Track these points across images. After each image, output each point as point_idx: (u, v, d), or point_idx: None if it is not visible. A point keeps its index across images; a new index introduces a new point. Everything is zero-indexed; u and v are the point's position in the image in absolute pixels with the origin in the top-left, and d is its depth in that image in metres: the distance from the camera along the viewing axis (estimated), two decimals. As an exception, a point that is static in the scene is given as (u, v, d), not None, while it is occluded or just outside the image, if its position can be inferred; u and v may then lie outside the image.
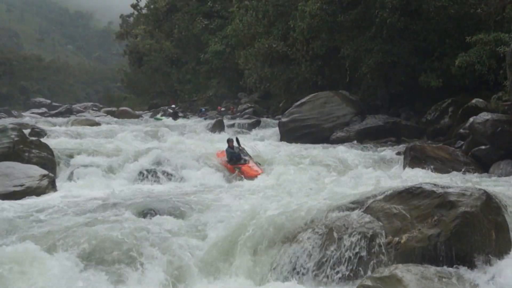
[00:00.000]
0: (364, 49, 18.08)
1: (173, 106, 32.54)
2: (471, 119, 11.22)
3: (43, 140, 12.44)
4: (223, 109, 31.99)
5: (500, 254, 5.10)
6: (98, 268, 5.41)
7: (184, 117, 30.62)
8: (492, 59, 14.28)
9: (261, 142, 16.95)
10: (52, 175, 10.20)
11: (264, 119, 24.36)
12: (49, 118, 32.27)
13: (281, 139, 17.84)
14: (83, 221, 6.77)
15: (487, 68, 14.48)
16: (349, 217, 5.62)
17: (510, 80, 11.09)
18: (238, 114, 29.21)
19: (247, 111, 28.91)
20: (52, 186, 9.68)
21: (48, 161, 11.06)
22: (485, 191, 5.44)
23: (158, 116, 29.63)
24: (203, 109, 32.18)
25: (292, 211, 6.11)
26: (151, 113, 37.31)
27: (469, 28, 15.95)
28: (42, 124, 23.76)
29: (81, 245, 5.71)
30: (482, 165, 10.59)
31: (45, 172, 9.95)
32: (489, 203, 5.35)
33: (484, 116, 10.74)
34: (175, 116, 29.72)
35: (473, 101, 13.64)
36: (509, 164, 10.14)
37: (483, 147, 10.82)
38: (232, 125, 22.45)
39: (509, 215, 5.44)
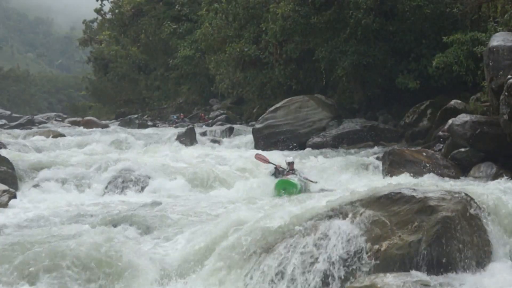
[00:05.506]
0: (339, 51, 17.80)
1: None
2: (450, 121, 11.12)
3: (3, 153, 11.81)
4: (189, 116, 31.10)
5: (482, 258, 5.12)
6: (59, 284, 5.16)
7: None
8: (470, 60, 14.33)
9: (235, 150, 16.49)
10: (13, 190, 9.97)
11: (237, 126, 23.87)
12: (9, 130, 30.75)
13: (256, 147, 17.33)
14: (45, 236, 6.52)
15: (465, 68, 14.49)
16: (327, 225, 5.48)
17: (488, 80, 10.90)
18: (210, 121, 28.60)
19: (219, 118, 28.39)
20: (12, 201, 9.43)
21: (8, 176, 10.74)
22: (465, 195, 5.44)
23: None
24: (175, 117, 31.40)
25: (270, 220, 5.94)
26: (118, 122, 36.20)
27: (446, 28, 16.00)
28: (1, 136, 22.47)
29: (41, 262, 5.40)
30: (462, 168, 10.43)
31: (5, 187, 9.77)
32: (470, 207, 5.36)
33: (463, 117, 10.57)
34: None
35: (452, 102, 13.55)
36: (489, 166, 9.99)
37: (462, 149, 10.63)
38: (204, 133, 21.81)
39: (490, 219, 5.40)
